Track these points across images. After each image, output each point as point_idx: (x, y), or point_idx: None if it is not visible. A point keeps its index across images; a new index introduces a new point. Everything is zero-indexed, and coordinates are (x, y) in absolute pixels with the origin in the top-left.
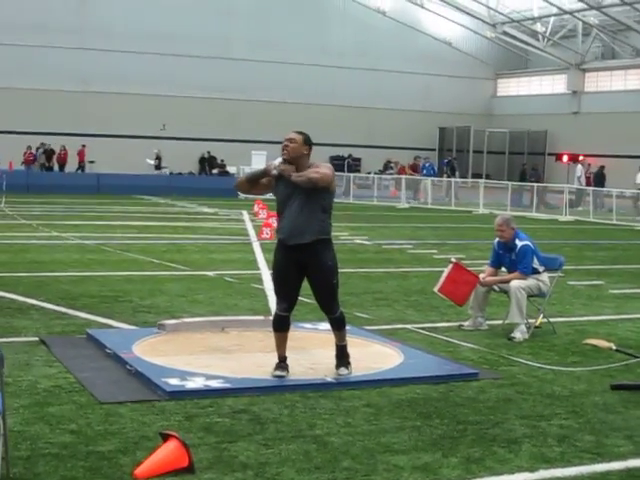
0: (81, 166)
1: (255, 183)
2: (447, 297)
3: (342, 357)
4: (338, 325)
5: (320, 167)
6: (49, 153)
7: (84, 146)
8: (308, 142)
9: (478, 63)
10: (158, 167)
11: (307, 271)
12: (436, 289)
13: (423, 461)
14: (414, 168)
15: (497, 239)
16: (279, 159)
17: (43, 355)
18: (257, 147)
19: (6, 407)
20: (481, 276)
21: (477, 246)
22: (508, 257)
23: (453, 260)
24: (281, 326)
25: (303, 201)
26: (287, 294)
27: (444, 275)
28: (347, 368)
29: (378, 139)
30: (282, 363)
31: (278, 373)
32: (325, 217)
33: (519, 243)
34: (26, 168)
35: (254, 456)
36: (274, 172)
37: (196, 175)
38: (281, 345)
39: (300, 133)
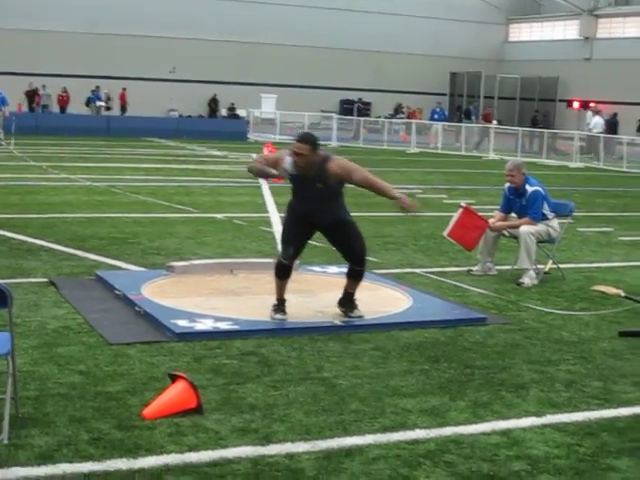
0: (124, 109)
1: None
2: (456, 242)
3: (351, 302)
4: (361, 276)
5: (347, 166)
6: (31, 94)
7: (125, 89)
8: (315, 146)
9: (490, 8)
10: (108, 108)
11: (331, 230)
12: (445, 233)
13: (431, 404)
14: (487, 117)
15: (507, 184)
16: (289, 160)
17: (52, 296)
18: (267, 90)
19: (15, 347)
20: (491, 221)
21: (487, 191)
22: (518, 202)
23: (463, 205)
24: (283, 273)
25: (320, 194)
26: (295, 240)
27: (454, 220)
28: (358, 310)
29: (388, 83)
30: (282, 305)
31: (280, 316)
32: (341, 201)
33: (529, 188)
34: (33, 110)
35: (262, 398)
36: (284, 174)
37: (206, 118)
38: (281, 290)
39: (305, 141)
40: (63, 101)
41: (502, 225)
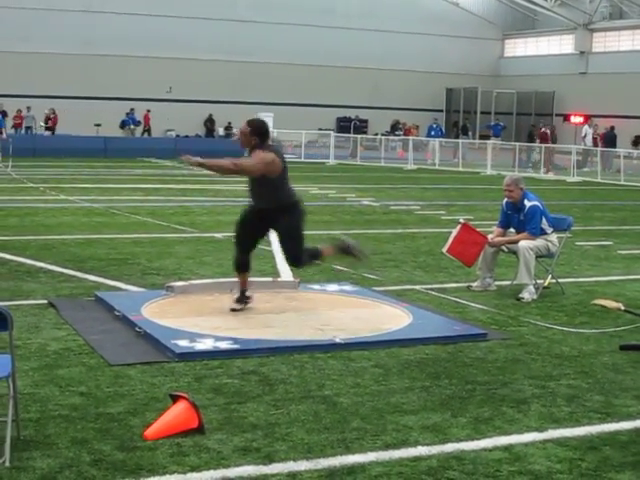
0: (147, 130)
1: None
2: (456, 258)
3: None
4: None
5: (253, 156)
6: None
7: (149, 111)
8: (256, 132)
9: (485, 23)
10: (50, 129)
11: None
12: (444, 250)
13: (432, 421)
14: (545, 137)
15: (506, 199)
16: None
17: (52, 318)
18: (263, 109)
19: (16, 370)
20: (489, 237)
21: (485, 207)
22: (516, 218)
23: (462, 221)
24: (245, 268)
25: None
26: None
27: (452, 236)
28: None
29: (385, 100)
30: (243, 296)
31: (235, 306)
32: (278, 189)
33: (528, 203)
34: (16, 132)
35: (263, 417)
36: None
37: (202, 137)
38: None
39: (250, 124)
40: (52, 122)
41: (501, 240)
